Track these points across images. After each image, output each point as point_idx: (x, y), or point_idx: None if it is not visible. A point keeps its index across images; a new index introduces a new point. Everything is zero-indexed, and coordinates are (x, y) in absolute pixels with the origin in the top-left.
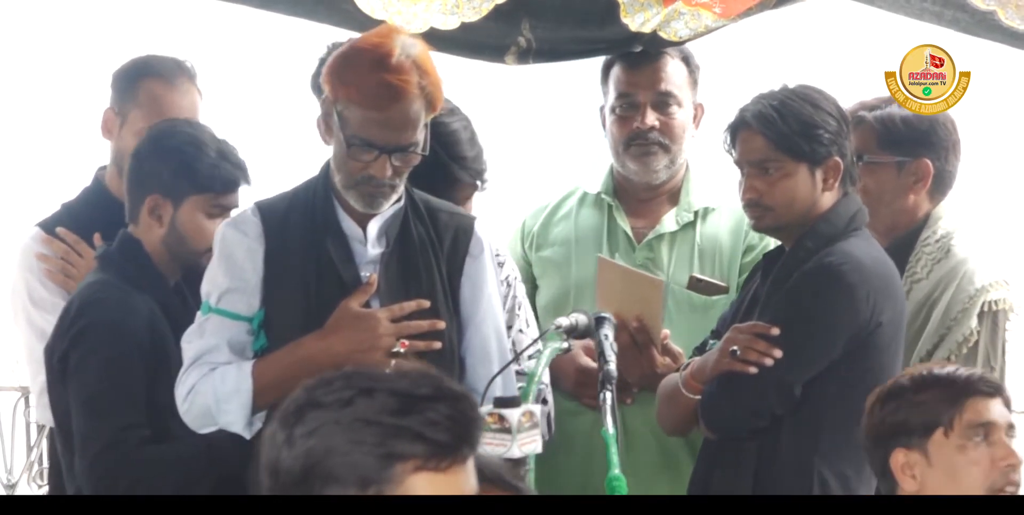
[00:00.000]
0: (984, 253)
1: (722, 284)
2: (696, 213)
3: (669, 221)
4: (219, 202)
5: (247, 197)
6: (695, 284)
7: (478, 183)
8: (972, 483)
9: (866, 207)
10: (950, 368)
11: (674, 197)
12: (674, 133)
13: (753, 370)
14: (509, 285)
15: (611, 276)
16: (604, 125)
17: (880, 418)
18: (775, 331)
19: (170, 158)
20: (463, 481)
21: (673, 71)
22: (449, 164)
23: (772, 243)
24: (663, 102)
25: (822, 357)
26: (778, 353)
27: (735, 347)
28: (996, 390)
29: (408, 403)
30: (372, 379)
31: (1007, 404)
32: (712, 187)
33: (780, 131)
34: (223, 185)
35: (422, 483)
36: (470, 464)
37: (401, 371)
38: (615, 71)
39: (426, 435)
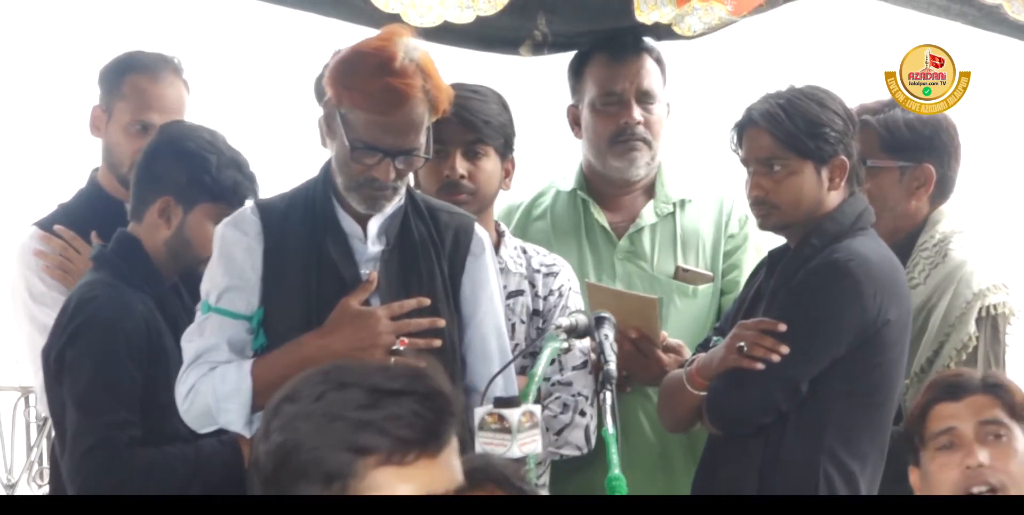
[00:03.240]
0: (982, 257)
1: (708, 273)
2: (675, 204)
3: (648, 213)
4: (229, 212)
5: None
6: (681, 274)
7: (474, 137)
8: (944, 490)
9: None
10: (945, 372)
11: (649, 191)
12: (655, 129)
13: (760, 366)
14: (561, 295)
15: (603, 300)
16: (574, 124)
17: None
18: (782, 327)
19: (189, 162)
20: (434, 474)
21: (650, 68)
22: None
23: (753, 233)
24: (646, 98)
25: (828, 353)
26: (785, 349)
27: (742, 343)
28: (966, 391)
29: (375, 398)
30: (349, 373)
31: (1004, 402)
32: (685, 180)
33: (786, 129)
34: (239, 198)
35: (385, 478)
36: (444, 458)
37: (385, 365)
38: (594, 67)
39: (388, 429)
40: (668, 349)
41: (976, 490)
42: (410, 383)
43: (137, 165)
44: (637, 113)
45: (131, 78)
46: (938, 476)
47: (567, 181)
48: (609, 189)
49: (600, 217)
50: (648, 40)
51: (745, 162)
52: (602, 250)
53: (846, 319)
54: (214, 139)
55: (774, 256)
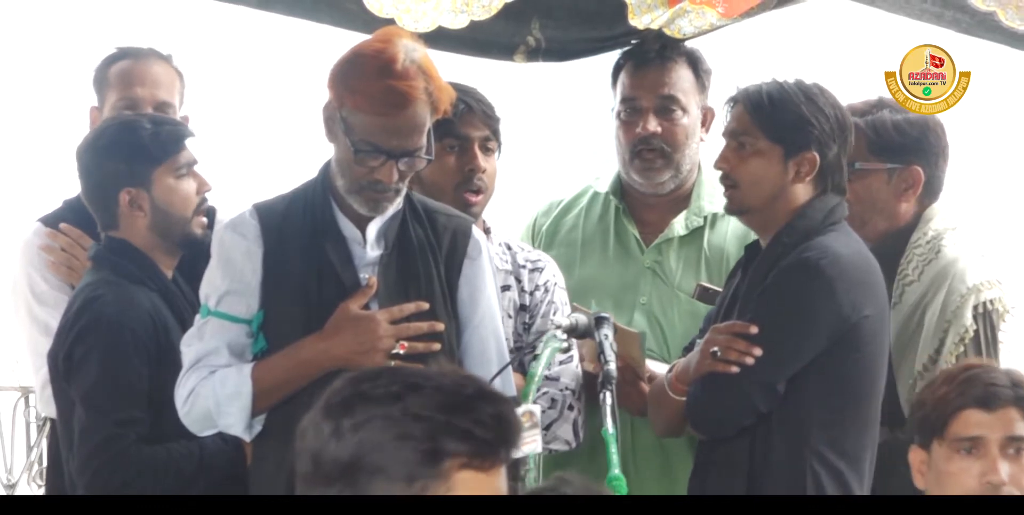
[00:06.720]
0: (975, 253)
1: None
2: (705, 218)
3: (679, 225)
4: (179, 163)
5: (243, 197)
6: (702, 294)
7: (489, 132)
8: (957, 492)
9: (857, 213)
10: (976, 369)
11: (685, 200)
12: (676, 139)
13: (735, 370)
14: (547, 290)
15: None
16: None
17: (911, 410)
18: (754, 329)
19: (116, 152)
20: (501, 483)
21: (678, 76)
22: (460, 98)
23: None
24: (666, 107)
25: (803, 353)
26: (758, 351)
27: (715, 348)
28: (999, 402)
29: (456, 401)
30: (417, 375)
31: None
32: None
33: (764, 111)
34: (173, 146)
35: (467, 481)
36: (504, 468)
37: (440, 371)
38: (621, 75)
39: (474, 433)
40: (652, 381)
41: None
42: (482, 389)
43: (82, 187)
44: (653, 124)
45: (116, 66)
46: (955, 478)
47: (604, 183)
48: (642, 196)
49: (630, 224)
50: (687, 45)
51: (724, 135)
52: (630, 257)
53: (819, 318)
54: (119, 118)
55: (748, 254)
